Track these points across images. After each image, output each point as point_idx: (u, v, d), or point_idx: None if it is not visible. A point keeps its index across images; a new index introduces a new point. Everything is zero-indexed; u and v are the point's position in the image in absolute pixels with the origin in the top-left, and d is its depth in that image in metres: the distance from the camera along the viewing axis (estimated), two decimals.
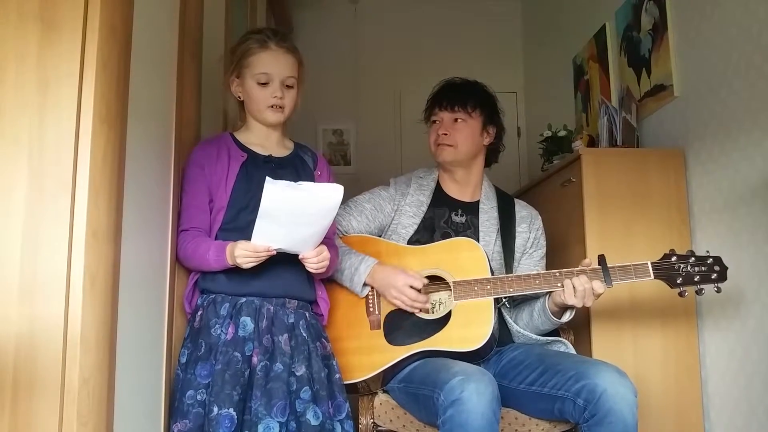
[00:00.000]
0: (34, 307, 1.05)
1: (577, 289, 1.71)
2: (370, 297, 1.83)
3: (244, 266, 1.48)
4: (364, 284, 1.80)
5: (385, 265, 1.80)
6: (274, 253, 1.47)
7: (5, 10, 1.10)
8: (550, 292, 1.79)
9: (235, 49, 1.69)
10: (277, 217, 1.41)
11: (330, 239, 1.69)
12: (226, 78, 1.70)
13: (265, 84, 1.62)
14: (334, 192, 1.44)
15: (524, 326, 1.88)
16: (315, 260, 1.52)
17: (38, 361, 1.04)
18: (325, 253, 1.54)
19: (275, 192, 1.38)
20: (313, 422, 1.46)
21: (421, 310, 1.79)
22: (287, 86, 1.64)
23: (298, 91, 1.69)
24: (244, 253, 1.46)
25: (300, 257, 1.52)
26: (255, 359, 1.47)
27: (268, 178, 1.38)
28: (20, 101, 1.09)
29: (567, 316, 1.82)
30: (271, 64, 1.62)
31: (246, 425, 1.42)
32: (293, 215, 1.42)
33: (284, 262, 1.53)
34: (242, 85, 1.66)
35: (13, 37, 1.10)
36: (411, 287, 1.74)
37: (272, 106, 1.63)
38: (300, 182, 1.44)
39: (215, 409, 1.40)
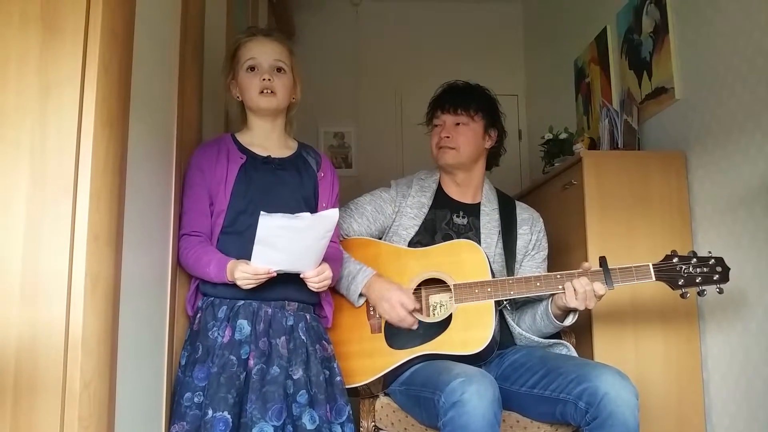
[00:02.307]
0: (35, 310, 1.05)
1: (578, 291, 1.70)
2: None
3: (244, 287, 1.48)
4: (360, 294, 1.80)
5: (382, 278, 1.80)
6: (275, 274, 1.47)
7: (7, 13, 1.10)
8: (553, 295, 1.79)
9: (227, 52, 1.73)
10: (274, 243, 1.42)
11: (335, 248, 1.69)
12: (226, 83, 1.71)
13: (253, 69, 1.64)
14: (330, 216, 1.45)
15: (527, 329, 1.88)
16: (316, 279, 1.52)
17: (39, 364, 1.04)
18: (327, 272, 1.54)
19: (270, 224, 1.39)
20: (309, 426, 1.45)
21: (422, 311, 1.79)
22: (277, 70, 1.66)
23: (295, 82, 1.70)
24: (244, 276, 1.46)
25: (301, 276, 1.52)
26: (251, 362, 1.47)
27: (262, 212, 1.39)
28: (22, 104, 1.09)
29: (570, 320, 1.81)
30: (257, 50, 1.65)
31: (241, 429, 1.42)
32: (289, 241, 1.43)
33: None
34: (238, 82, 1.67)
35: (15, 40, 1.10)
36: (402, 306, 1.74)
37: (263, 91, 1.63)
38: (296, 214, 1.43)
39: (210, 411, 1.40)
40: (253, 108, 1.67)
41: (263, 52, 1.65)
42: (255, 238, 1.40)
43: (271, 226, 1.39)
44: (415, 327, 1.76)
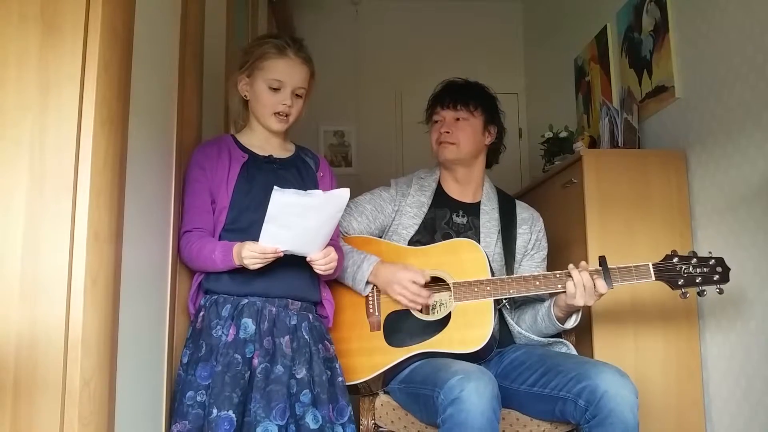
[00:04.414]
0: (35, 308, 1.05)
1: (578, 282, 1.69)
2: (370, 298, 1.83)
3: (251, 267, 1.48)
4: (367, 282, 1.80)
5: (387, 262, 1.80)
6: (281, 254, 1.47)
7: (7, 12, 1.10)
8: (555, 297, 1.78)
9: (250, 49, 1.69)
10: (284, 221, 1.42)
11: (335, 241, 1.70)
12: (234, 75, 1.70)
13: (276, 90, 1.63)
14: (341, 195, 1.45)
15: (527, 329, 1.87)
16: (323, 261, 1.52)
17: (39, 362, 1.04)
18: (333, 254, 1.54)
19: (282, 200, 1.39)
20: (313, 425, 1.45)
21: (422, 310, 1.80)
22: (296, 95, 1.65)
23: (305, 102, 1.70)
24: (251, 254, 1.46)
25: (308, 259, 1.52)
26: (255, 361, 1.47)
27: (276, 187, 1.39)
28: (21, 103, 1.09)
29: (572, 322, 1.81)
30: (286, 73, 1.63)
31: (245, 427, 1.42)
32: (300, 219, 1.43)
33: (288, 262, 1.53)
34: (251, 85, 1.66)
35: (14, 39, 1.10)
36: (414, 282, 1.74)
37: (278, 114, 1.63)
38: (309, 191, 1.44)
39: (214, 411, 1.39)
40: (263, 124, 1.68)
41: (291, 77, 1.63)
42: (266, 215, 1.40)
43: (283, 203, 1.39)
44: (431, 301, 1.77)
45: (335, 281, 1.82)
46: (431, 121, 2.06)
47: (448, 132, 1.97)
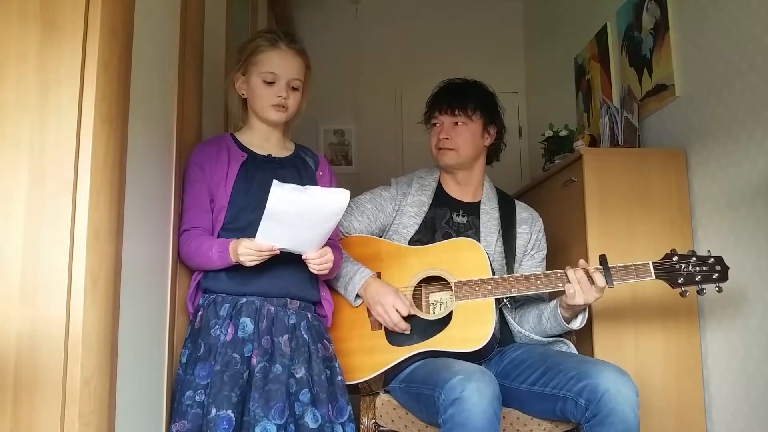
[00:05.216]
0: (35, 307, 1.05)
1: (571, 278, 1.69)
2: None
3: (247, 264, 1.47)
4: (357, 296, 1.80)
5: (379, 280, 1.79)
6: (278, 252, 1.47)
7: (6, 11, 1.10)
8: (561, 298, 1.78)
9: (244, 46, 1.69)
10: (282, 218, 1.41)
11: (334, 240, 1.69)
12: (231, 74, 1.70)
13: (271, 83, 1.63)
14: (341, 197, 1.44)
15: (530, 329, 1.87)
16: (318, 261, 1.52)
17: (40, 361, 1.04)
18: (329, 255, 1.54)
19: (282, 195, 1.38)
20: (312, 425, 1.45)
21: (422, 309, 1.79)
22: (292, 88, 1.65)
23: (304, 96, 1.70)
24: (247, 251, 1.45)
25: (303, 257, 1.52)
26: (254, 360, 1.47)
27: (275, 180, 1.38)
28: (21, 102, 1.09)
29: (579, 322, 1.80)
30: (279, 65, 1.63)
31: (244, 427, 1.42)
32: (298, 217, 1.42)
33: (287, 261, 1.53)
34: (247, 82, 1.66)
35: (14, 38, 1.10)
36: (396, 310, 1.73)
37: (275, 105, 1.63)
38: (307, 186, 1.43)
39: (213, 410, 1.39)
40: (262, 118, 1.67)
41: (284, 68, 1.63)
42: (265, 209, 1.39)
43: (282, 196, 1.38)
44: (407, 332, 1.76)
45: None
46: (430, 124, 2.05)
47: (447, 138, 1.96)
